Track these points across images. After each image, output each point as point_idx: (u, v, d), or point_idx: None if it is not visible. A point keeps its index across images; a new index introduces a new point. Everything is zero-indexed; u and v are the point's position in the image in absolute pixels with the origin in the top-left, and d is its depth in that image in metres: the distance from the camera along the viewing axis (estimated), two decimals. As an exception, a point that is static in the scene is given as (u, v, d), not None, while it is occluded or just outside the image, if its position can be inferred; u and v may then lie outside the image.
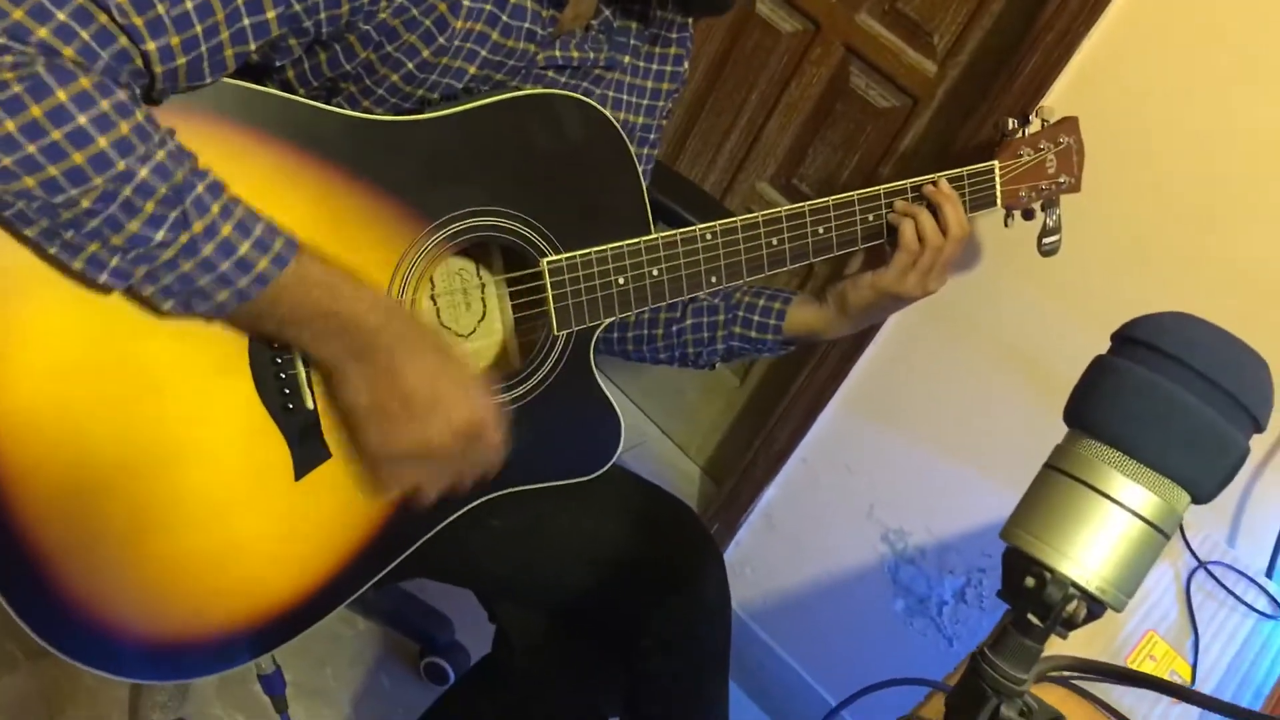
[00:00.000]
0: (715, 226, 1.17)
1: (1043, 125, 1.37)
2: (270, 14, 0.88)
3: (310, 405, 1.01)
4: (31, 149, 0.78)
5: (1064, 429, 0.68)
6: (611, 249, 1.12)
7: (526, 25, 1.05)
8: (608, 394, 1.20)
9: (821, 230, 1.22)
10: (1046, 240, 1.43)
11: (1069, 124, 1.39)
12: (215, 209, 0.85)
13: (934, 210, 1.24)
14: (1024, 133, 1.36)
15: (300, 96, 0.98)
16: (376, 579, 1.10)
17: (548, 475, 1.19)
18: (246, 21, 0.87)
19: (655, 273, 1.15)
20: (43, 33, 0.77)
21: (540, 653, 1.33)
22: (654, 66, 1.23)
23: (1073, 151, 1.40)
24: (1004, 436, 1.75)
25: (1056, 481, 0.66)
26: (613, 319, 1.15)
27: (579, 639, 1.32)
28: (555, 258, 1.10)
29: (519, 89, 1.09)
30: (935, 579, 1.88)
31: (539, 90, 1.09)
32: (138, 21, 0.81)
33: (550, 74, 1.14)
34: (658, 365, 1.39)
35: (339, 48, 1.00)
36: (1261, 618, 1.35)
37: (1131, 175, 1.57)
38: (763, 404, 2.21)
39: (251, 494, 0.99)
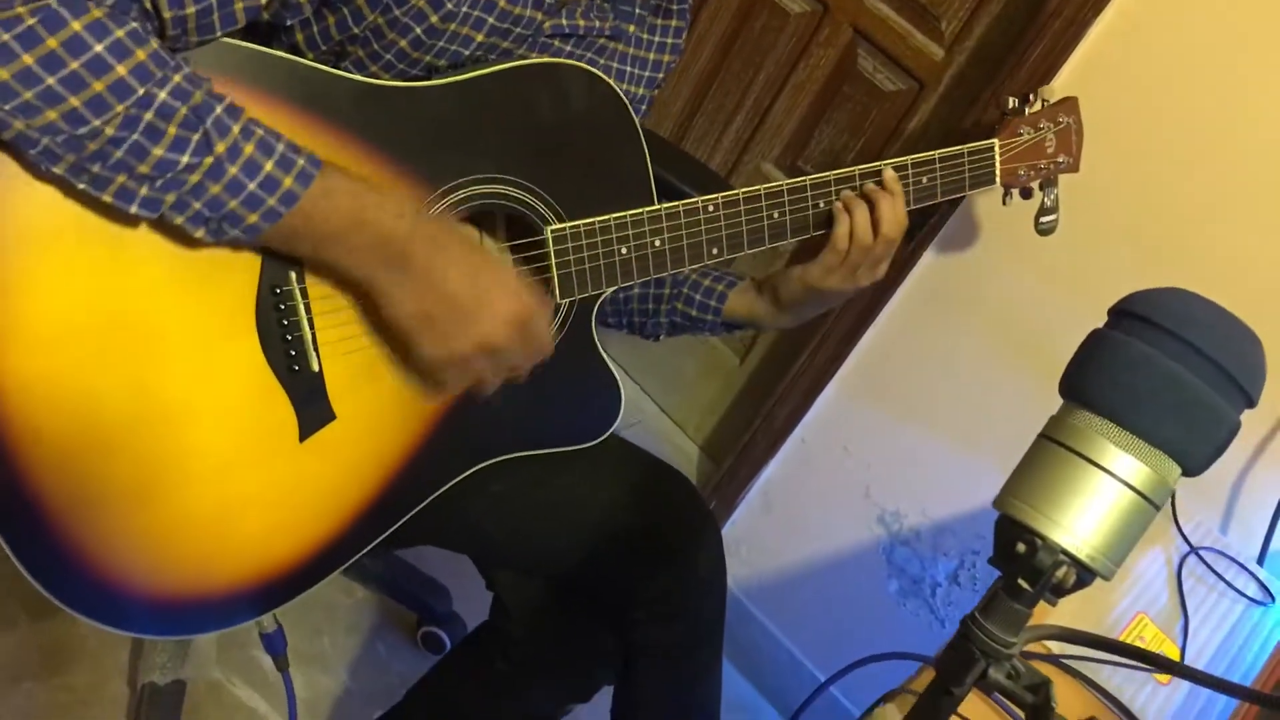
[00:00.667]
0: (717, 198, 1.17)
1: (1043, 105, 1.38)
2: None
3: (315, 368, 1.02)
4: (51, 81, 0.78)
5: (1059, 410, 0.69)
6: (615, 218, 1.13)
7: None
8: (609, 363, 1.21)
9: (823, 204, 1.23)
10: (1044, 219, 1.44)
11: (1069, 104, 1.40)
12: (236, 129, 0.86)
13: (872, 204, 1.22)
14: (1025, 112, 1.37)
15: (309, 60, 0.99)
16: (376, 542, 1.11)
17: (548, 442, 1.20)
18: None
19: (658, 243, 1.16)
20: None
21: (537, 621, 1.34)
22: (656, 38, 1.24)
23: (1072, 132, 1.40)
24: (1001, 419, 1.76)
25: (1050, 451, 0.67)
26: (615, 288, 1.16)
27: (575, 608, 1.33)
28: (559, 226, 1.11)
29: (525, 57, 1.10)
30: (929, 561, 1.89)
31: (546, 59, 1.10)
32: None
33: (556, 42, 1.15)
34: (606, 329, 1.40)
35: (347, 10, 1.00)
36: (1251, 604, 1.36)
37: (1133, 160, 1.57)
38: (762, 383, 2.22)
39: (256, 454, 1.00)
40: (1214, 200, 1.53)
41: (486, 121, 1.07)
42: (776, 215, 1.21)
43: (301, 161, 0.89)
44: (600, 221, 1.13)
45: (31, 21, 0.77)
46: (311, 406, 1.02)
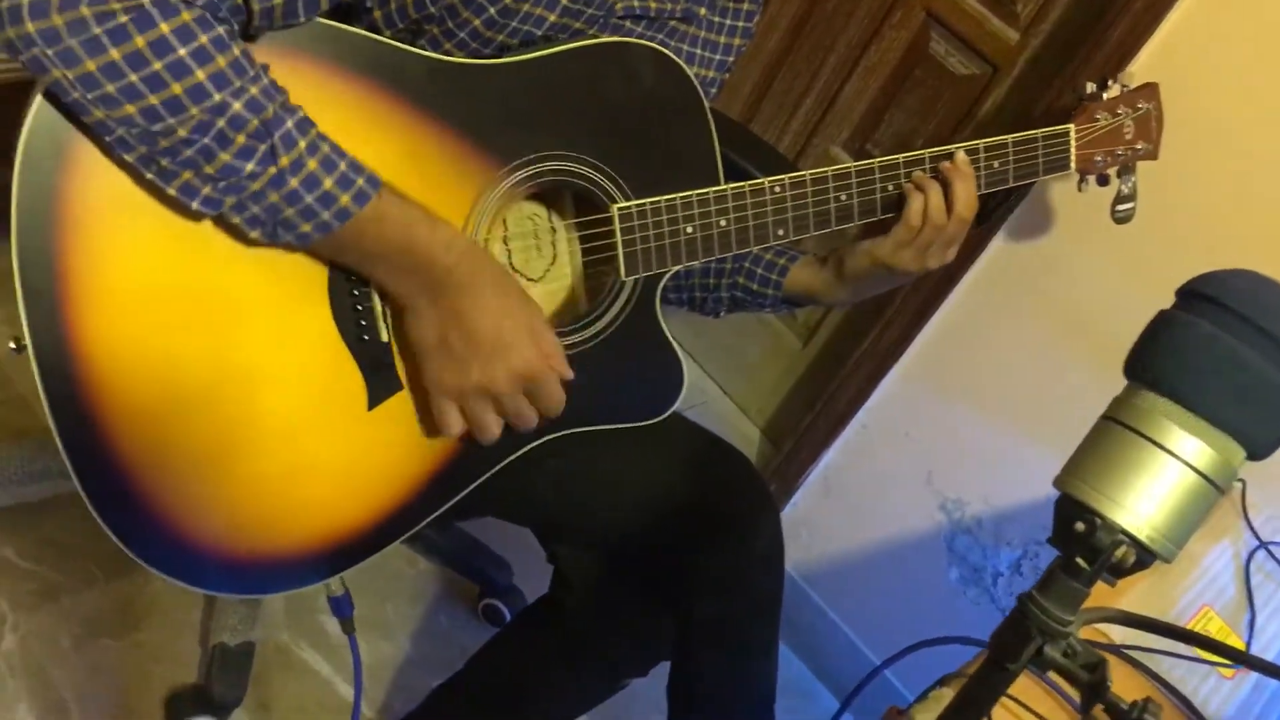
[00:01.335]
0: (784, 179, 1.17)
1: (1122, 90, 1.35)
2: None
3: (385, 338, 1.04)
4: (134, 78, 0.82)
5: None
6: (681, 198, 1.14)
7: None
8: (672, 341, 1.22)
9: (890, 187, 1.23)
10: (1120, 207, 1.41)
11: (1149, 90, 1.37)
12: (302, 145, 0.89)
13: (946, 185, 1.21)
14: (1102, 97, 1.34)
15: (385, 37, 1.01)
16: (442, 510, 1.13)
17: (610, 418, 1.21)
18: None
19: (723, 223, 1.16)
20: None
21: (596, 595, 1.36)
22: (727, 21, 1.24)
23: (1151, 118, 1.37)
24: (1068, 409, 1.73)
25: (1112, 432, 0.67)
26: (679, 267, 1.17)
27: (634, 582, 1.34)
28: (626, 204, 1.12)
29: (597, 38, 1.11)
30: (991, 550, 1.88)
31: (616, 39, 1.10)
32: None
33: (627, 24, 1.16)
34: (667, 306, 1.40)
35: None
36: (1321, 599, 1.34)
37: (1214, 148, 1.54)
38: (825, 367, 2.22)
39: (326, 420, 1.03)
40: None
41: (557, 99, 1.08)
42: (844, 198, 1.21)
43: (361, 182, 0.92)
44: (666, 200, 1.14)
45: (124, 19, 0.81)
46: (380, 375, 1.05)
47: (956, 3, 1.92)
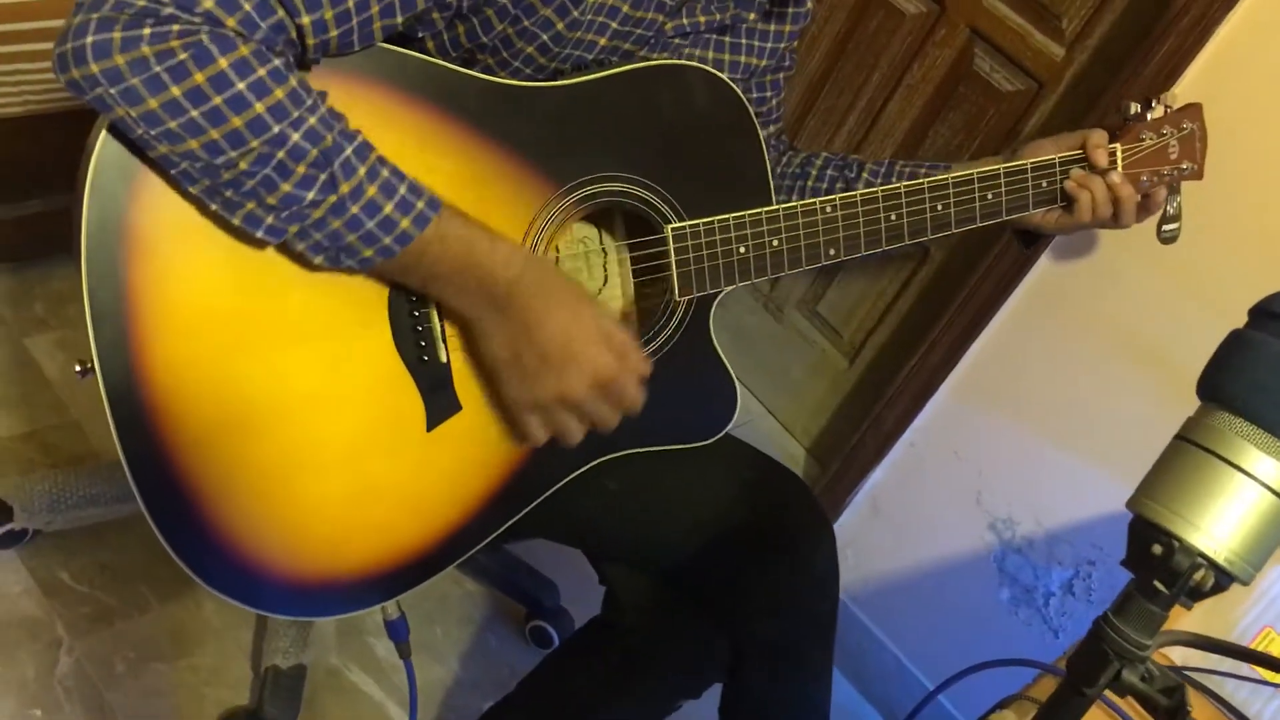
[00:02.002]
0: (835, 200, 1.18)
1: (1166, 110, 1.35)
2: None
3: (444, 359, 1.05)
4: (195, 113, 0.83)
5: (1183, 419, 0.68)
6: (734, 218, 1.14)
7: None
8: (725, 361, 1.22)
9: (940, 207, 1.23)
10: (1166, 227, 1.41)
11: (1193, 110, 1.37)
12: (362, 171, 0.90)
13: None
14: (1147, 117, 1.34)
15: (441, 61, 1.02)
16: (499, 532, 1.14)
17: (663, 439, 1.21)
18: None
19: (775, 243, 1.17)
20: (208, 4, 0.82)
21: (648, 616, 1.36)
22: (773, 28, 1.24)
23: (1195, 138, 1.37)
24: (1119, 427, 1.72)
25: (1187, 452, 0.66)
26: (732, 287, 1.17)
27: (687, 603, 1.34)
28: (679, 225, 1.13)
29: (648, 59, 1.11)
30: (1043, 570, 1.85)
31: (669, 60, 1.11)
32: None
33: (676, 41, 1.16)
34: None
35: (477, 21, 1.03)
36: (1388, 619, 1.31)
37: (1265, 166, 1.53)
38: (872, 386, 2.20)
39: (386, 441, 1.04)
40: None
41: (610, 121, 1.09)
42: (894, 218, 1.21)
43: (420, 205, 0.93)
44: (720, 221, 1.14)
45: (184, 56, 0.82)
46: (439, 397, 1.05)
47: (1000, 19, 1.91)
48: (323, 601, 1.07)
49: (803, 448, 2.40)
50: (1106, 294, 1.71)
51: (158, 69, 0.82)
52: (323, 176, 0.88)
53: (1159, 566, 0.63)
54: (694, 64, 1.11)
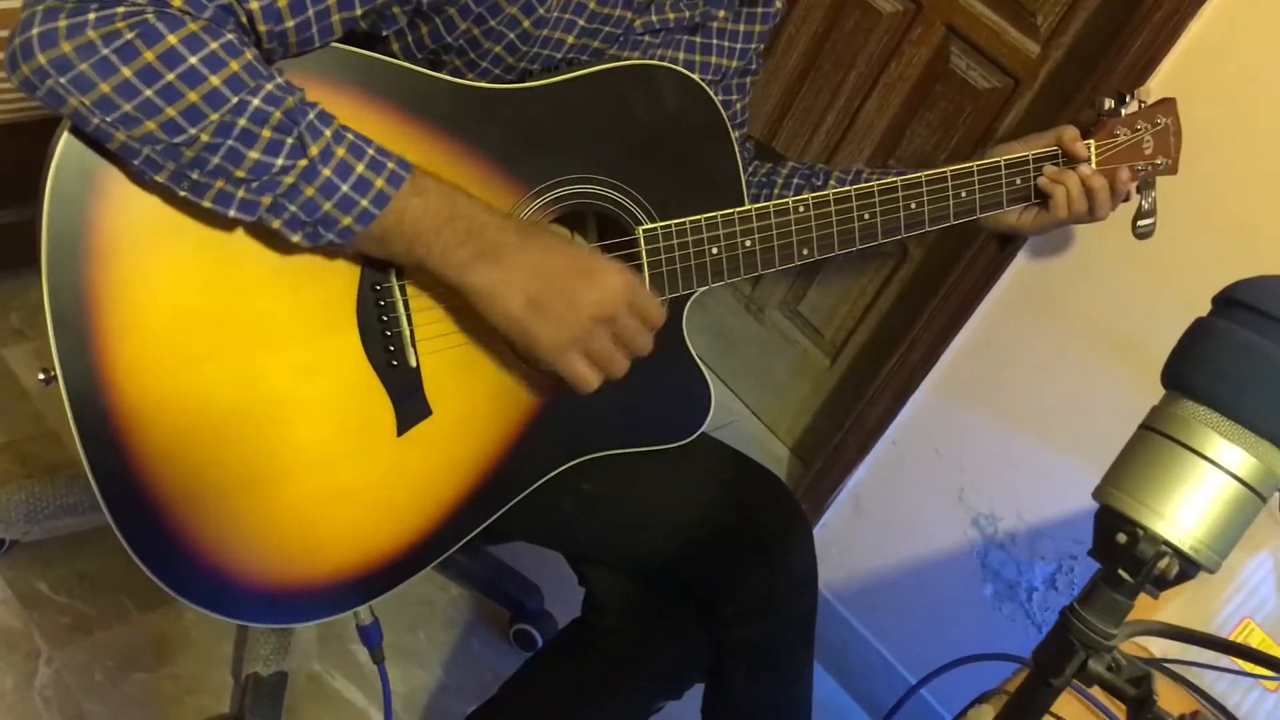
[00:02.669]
0: (807, 199, 1.17)
1: (1140, 106, 1.35)
2: None
3: (413, 363, 1.04)
4: (148, 92, 0.82)
5: (1160, 413, 0.68)
6: (706, 219, 1.14)
7: None
8: (699, 362, 1.21)
9: (913, 205, 1.23)
10: (1141, 223, 1.41)
11: (1167, 105, 1.37)
12: (328, 133, 0.88)
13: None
14: (1121, 112, 1.34)
15: (406, 63, 1.01)
16: (472, 535, 1.13)
17: (639, 440, 1.21)
18: None
19: (748, 243, 1.16)
20: None
21: (628, 617, 1.35)
22: (743, 27, 1.24)
23: (1170, 133, 1.38)
24: (1100, 421, 1.72)
25: (1152, 441, 0.66)
26: (705, 288, 1.16)
27: (666, 605, 1.34)
28: (650, 226, 1.12)
29: (617, 58, 1.11)
30: (1026, 565, 1.86)
31: (639, 61, 1.11)
32: None
33: (646, 38, 1.16)
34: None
35: (440, 20, 1.03)
36: (1365, 608, 1.32)
37: (1238, 159, 1.53)
38: (853, 385, 2.21)
39: (356, 447, 1.03)
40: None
41: (579, 122, 1.08)
42: (867, 216, 1.21)
43: (391, 164, 0.91)
44: (691, 221, 1.14)
45: (130, 36, 0.81)
46: (409, 401, 1.05)
47: (976, 16, 1.92)
48: (295, 608, 1.06)
49: (786, 447, 2.40)
50: (1083, 289, 1.71)
51: (105, 51, 0.80)
52: (289, 140, 0.86)
53: (1124, 555, 0.63)
54: (664, 64, 1.11)
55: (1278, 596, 1.31)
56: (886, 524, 2.04)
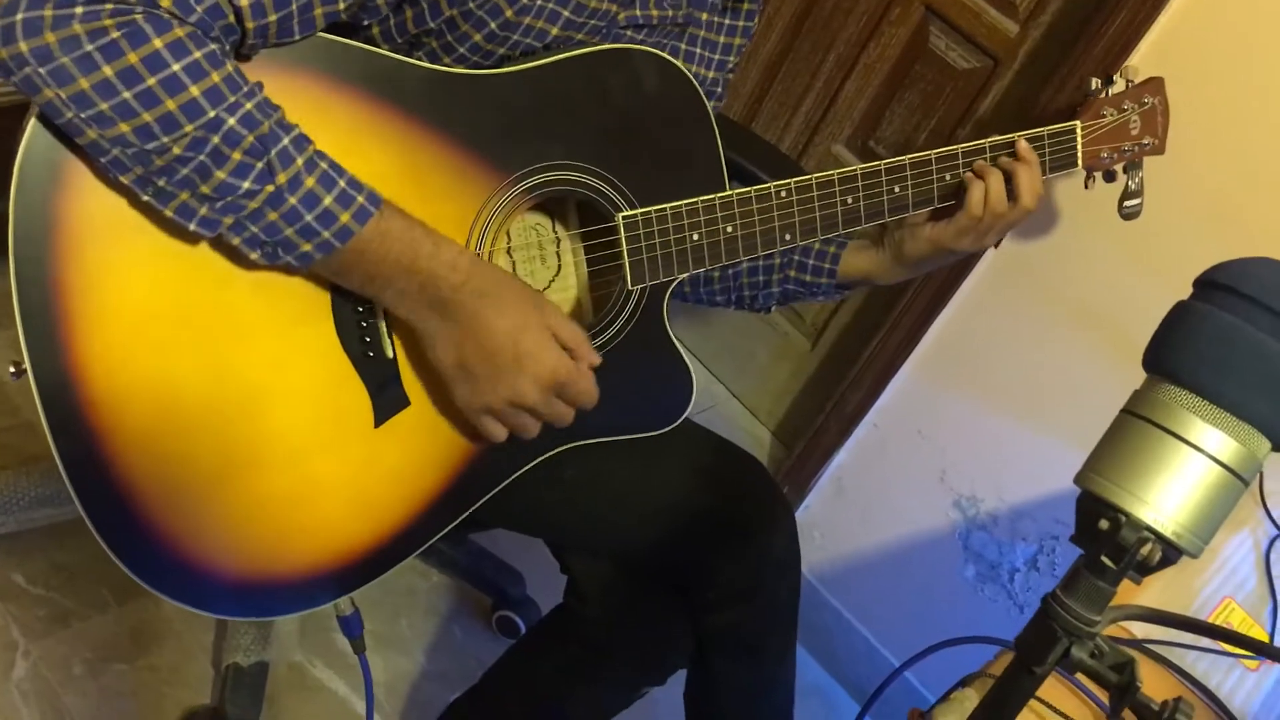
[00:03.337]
0: (790, 184, 1.16)
1: (1127, 85, 1.34)
2: None
3: (390, 354, 1.03)
4: (127, 94, 0.81)
5: (1145, 394, 0.68)
6: (686, 205, 1.13)
7: None
8: (680, 349, 1.20)
9: (897, 189, 1.22)
10: (1128, 203, 1.40)
11: (1154, 84, 1.36)
12: (300, 161, 0.88)
13: (1008, 174, 1.22)
14: (1107, 93, 1.33)
15: (383, 50, 1.00)
16: (452, 525, 1.12)
17: (620, 429, 1.20)
18: None
19: (730, 229, 1.15)
20: None
21: (610, 604, 1.35)
22: (728, 21, 1.23)
23: (1157, 113, 1.37)
24: (1082, 402, 1.72)
25: (1133, 426, 0.65)
26: (686, 274, 1.16)
27: (649, 591, 1.33)
28: (630, 212, 1.11)
29: (598, 45, 1.10)
30: (1007, 546, 1.86)
31: (617, 45, 1.09)
32: None
33: (629, 32, 1.15)
34: (714, 308, 1.39)
35: (425, 5, 1.01)
36: (1344, 587, 1.33)
37: (1219, 139, 1.53)
38: (834, 368, 2.20)
39: (332, 438, 1.02)
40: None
41: (558, 108, 1.07)
42: (850, 201, 1.20)
43: (361, 199, 0.90)
44: (672, 208, 1.13)
45: (116, 35, 0.80)
46: (386, 392, 1.03)
47: (955, -3, 1.91)
48: (272, 601, 1.05)
49: (768, 431, 2.40)
50: (1065, 270, 1.71)
51: (89, 47, 0.79)
52: (259, 165, 0.86)
53: (1106, 541, 0.63)
54: (644, 48, 1.09)
55: (1257, 576, 1.32)
56: (868, 507, 2.04)
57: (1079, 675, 0.67)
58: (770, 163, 1.53)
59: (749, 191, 1.15)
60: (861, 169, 1.19)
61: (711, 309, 2.34)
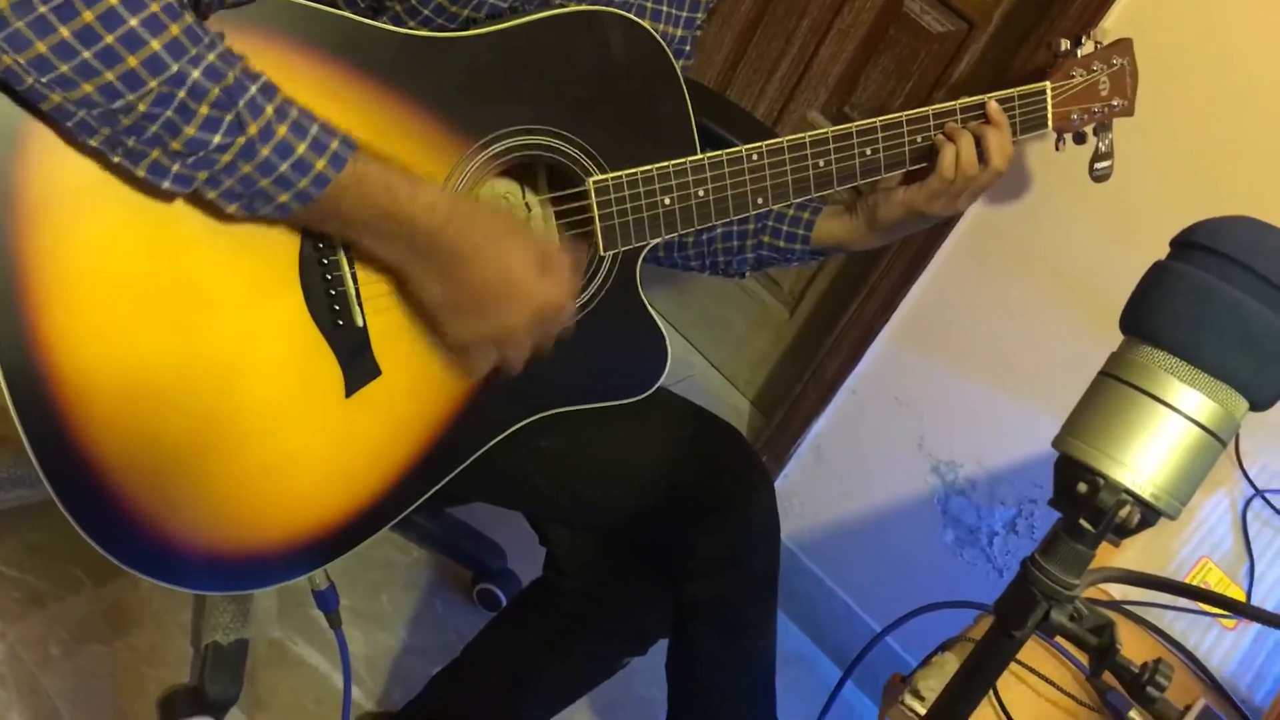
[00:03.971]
0: (761, 147, 1.15)
1: (1096, 46, 1.34)
2: None
3: (360, 323, 1.01)
4: (87, 54, 0.78)
5: (1118, 357, 0.67)
6: (658, 169, 1.12)
7: None
8: (654, 315, 1.19)
9: (869, 152, 1.21)
10: (1099, 165, 1.40)
11: (1123, 45, 1.36)
12: (269, 110, 0.86)
13: (978, 136, 1.22)
14: (1076, 54, 1.33)
15: (347, 13, 0.98)
16: (426, 496, 1.11)
17: (596, 396, 1.19)
18: None
19: (701, 193, 1.14)
20: None
21: (590, 575, 1.35)
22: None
23: (1126, 74, 1.37)
24: (1057, 366, 1.73)
25: (1111, 388, 0.65)
26: (659, 240, 1.14)
27: (628, 562, 1.33)
28: (601, 177, 1.10)
29: (565, 5, 1.08)
30: (986, 510, 1.87)
31: (585, 7, 1.07)
32: None
33: None
34: (689, 272, 1.39)
35: None
36: (1319, 545, 1.33)
37: (1191, 100, 1.53)
38: (812, 336, 2.20)
39: (304, 410, 1.01)
40: (1272, 140, 1.48)
41: (526, 71, 1.05)
42: (822, 164, 1.19)
43: (335, 144, 0.89)
44: (643, 172, 1.11)
45: None
46: (356, 362, 1.02)
47: (929, -41, 1.90)
48: (248, 574, 1.04)
49: (747, 400, 2.40)
50: (1039, 234, 1.71)
51: (43, 9, 0.77)
52: (228, 117, 0.84)
53: (1084, 505, 0.62)
54: (610, 9, 1.08)
55: (1234, 535, 1.33)
56: (848, 474, 2.05)
57: (1059, 638, 0.67)
58: (745, 129, 1.51)
59: (720, 155, 1.14)
60: (833, 131, 1.18)
61: (687, 276, 2.34)
